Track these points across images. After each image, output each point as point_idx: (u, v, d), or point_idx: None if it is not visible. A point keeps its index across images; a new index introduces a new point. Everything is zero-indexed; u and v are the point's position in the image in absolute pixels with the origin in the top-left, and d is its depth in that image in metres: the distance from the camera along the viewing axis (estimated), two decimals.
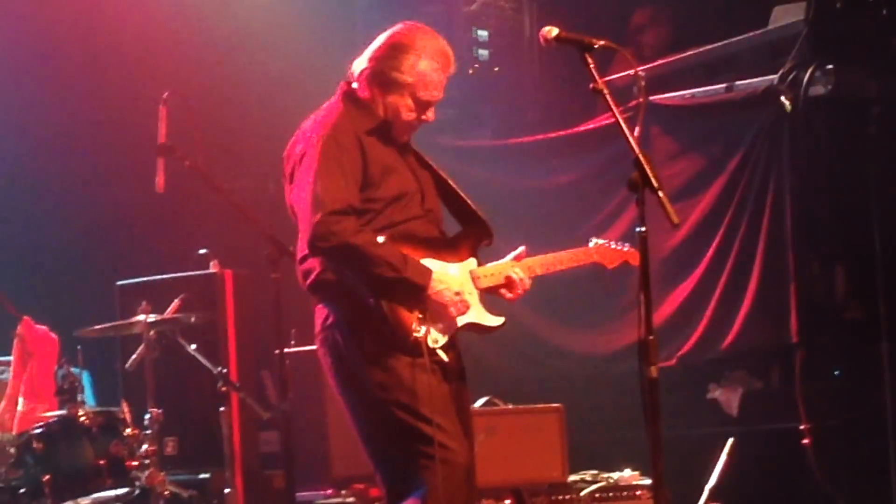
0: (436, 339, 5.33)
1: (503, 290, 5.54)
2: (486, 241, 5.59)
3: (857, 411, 8.15)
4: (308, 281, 5.44)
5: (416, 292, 5.28)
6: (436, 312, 5.33)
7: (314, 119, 5.51)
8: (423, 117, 5.51)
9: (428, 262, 5.36)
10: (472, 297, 5.45)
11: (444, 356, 5.35)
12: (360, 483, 7.52)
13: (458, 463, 5.29)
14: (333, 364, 5.40)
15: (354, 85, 5.53)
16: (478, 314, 5.48)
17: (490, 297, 5.55)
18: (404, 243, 5.32)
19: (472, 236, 5.58)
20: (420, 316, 5.29)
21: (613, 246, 5.85)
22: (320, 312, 5.42)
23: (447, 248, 5.49)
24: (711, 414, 8.54)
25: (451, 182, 5.64)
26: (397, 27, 5.57)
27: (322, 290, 5.40)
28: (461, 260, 5.50)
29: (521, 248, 5.60)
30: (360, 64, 5.52)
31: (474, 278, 5.48)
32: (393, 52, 5.46)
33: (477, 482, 5.48)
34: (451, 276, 5.40)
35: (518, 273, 5.52)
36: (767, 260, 8.18)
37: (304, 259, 5.43)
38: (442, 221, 5.59)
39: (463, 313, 5.40)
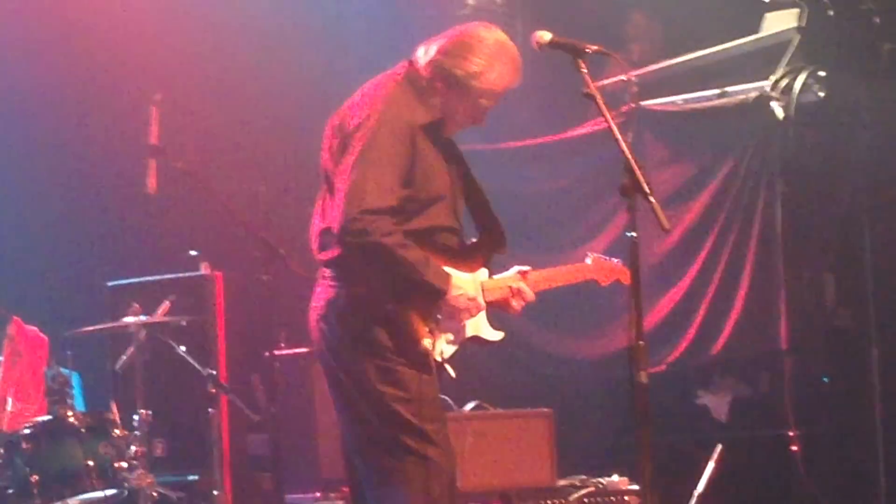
0: (442, 351, 5.25)
1: (508, 304, 5.45)
2: (500, 250, 5.48)
3: (845, 418, 8.16)
4: (328, 253, 5.22)
5: (433, 296, 5.18)
6: (447, 321, 5.25)
7: (370, 92, 5.23)
8: (475, 121, 5.35)
9: (445, 269, 5.25)
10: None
11: (451, 371, 5.29)
12: (348, 485, 7.51)
13: (443, 469, 5.19)
14: (331, 344, 5.21)
15: (419, 67, 5.24)
16: (481, 327, 5.41)
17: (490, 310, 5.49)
18: (426, 250, 5.19)
19: (487, 246, 5.46)
20: (430, 328, 5.19)
21: (608, 260, 5.77)
22: (329, 289, 5.21)
23: (463, 259, 5.36)
24: (700, 420, 8.54)
25: (478, 183, 5.49)
26: (473, 24, 5.33)
27: (340, 267, 5.20)
28: (473, 271, 5.38)
29: (527, 268, 5.51)
30: (426, 52, 5.25)
31: (483, 291, 5.38)
32: (462, 52, 5.21)
33: (465, 486, 5.42)
34: (467, 282, 5.29)
35: (523, 286, 5.44)
36: (757, 266, 8.20)
37: (327, 231, 5.21)
38: (462, 216, 5.41)
39: (475, 315, 5.31)
